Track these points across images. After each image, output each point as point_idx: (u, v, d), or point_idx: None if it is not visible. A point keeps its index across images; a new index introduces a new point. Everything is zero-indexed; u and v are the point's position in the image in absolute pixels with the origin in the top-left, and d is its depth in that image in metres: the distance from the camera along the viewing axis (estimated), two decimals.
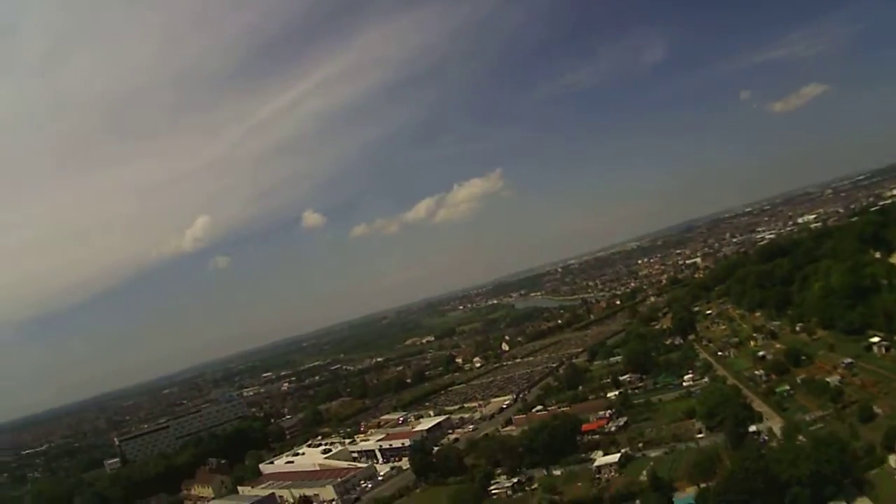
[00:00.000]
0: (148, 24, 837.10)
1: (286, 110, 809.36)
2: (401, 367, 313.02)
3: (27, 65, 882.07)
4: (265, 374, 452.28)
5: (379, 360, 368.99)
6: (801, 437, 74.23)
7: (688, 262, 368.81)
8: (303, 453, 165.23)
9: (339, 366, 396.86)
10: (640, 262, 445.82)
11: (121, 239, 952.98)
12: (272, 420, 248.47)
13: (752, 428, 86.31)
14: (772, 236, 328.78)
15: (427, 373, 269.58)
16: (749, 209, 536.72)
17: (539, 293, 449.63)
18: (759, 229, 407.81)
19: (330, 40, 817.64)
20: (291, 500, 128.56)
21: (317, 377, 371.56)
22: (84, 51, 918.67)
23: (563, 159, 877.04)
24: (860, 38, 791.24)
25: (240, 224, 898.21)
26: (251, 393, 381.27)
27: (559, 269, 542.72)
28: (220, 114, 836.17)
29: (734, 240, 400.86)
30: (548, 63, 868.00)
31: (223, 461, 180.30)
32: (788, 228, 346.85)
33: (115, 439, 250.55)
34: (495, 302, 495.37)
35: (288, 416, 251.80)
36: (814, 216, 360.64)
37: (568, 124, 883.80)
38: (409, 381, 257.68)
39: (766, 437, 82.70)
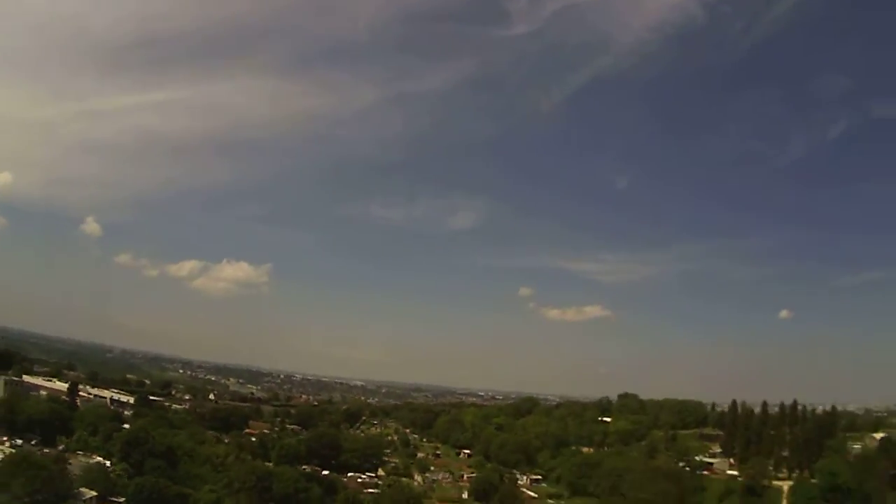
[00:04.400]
0: None
1: (120, 111, 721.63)
2: None
3: None
4: None
5: None
6: None
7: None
8: None
9: None
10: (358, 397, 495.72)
11: None
12: None
13: None
14: None
15: None
16: (482, 393, 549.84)
17: (254, 388, 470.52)
18: None
19: (189, 69, 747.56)
20: None
21: None
22: None
23: (332, 282, 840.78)
24: None
25: (32, 197, 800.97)
26: None
27: (281, 376, 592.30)
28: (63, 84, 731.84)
29: None
30: (364, 189, 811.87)
31: None
32: None
33: None
34: (212, 378, 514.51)
35: None
36: None
37: (354, 253, 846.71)
38: None
39: None
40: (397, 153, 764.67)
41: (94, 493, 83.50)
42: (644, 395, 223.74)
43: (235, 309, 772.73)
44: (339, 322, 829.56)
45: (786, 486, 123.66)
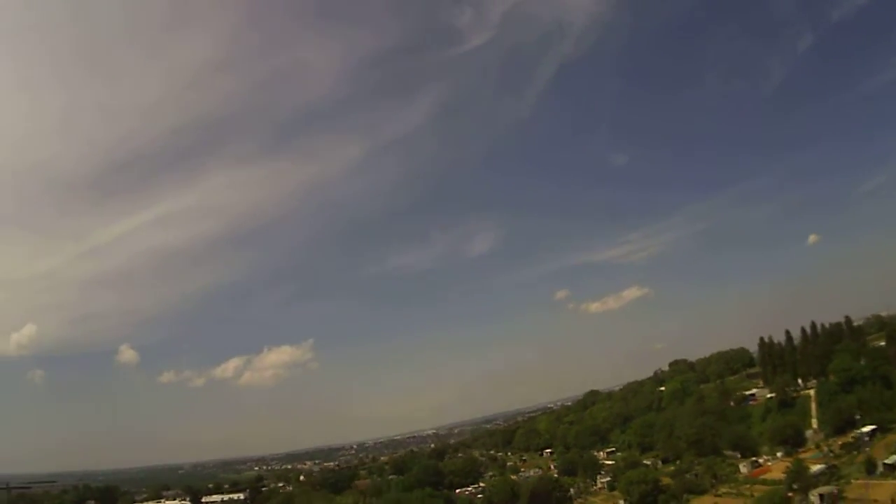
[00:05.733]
0: None
1: (123, 238, 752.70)
2: None
3: None
4: None
5: None
6: None
7: None
8: None
9: None
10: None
11: None
12: None
13: None
14: None
15: None
16: (551, 405, 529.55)
17: (333, 464, 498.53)
18: None
19: (177, 176, 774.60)
20: None
21: None
22: None
23: (374, 341, 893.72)
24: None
25: (61, 342, 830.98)
26: None
27: (354, 447, 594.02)
28: (56, 228, 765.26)
29: None
30: (378, 242, 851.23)
31: None
32: None
33: None
34: (288, 467, 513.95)
35: None
36: None
37: (387, 307, 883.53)
38: None
39: None
40: (399, 198, 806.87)
41: None
42: (698, 357, 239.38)
43: (289, 392, 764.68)
44: (394, 378, 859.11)
45: (812, 392, 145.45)
